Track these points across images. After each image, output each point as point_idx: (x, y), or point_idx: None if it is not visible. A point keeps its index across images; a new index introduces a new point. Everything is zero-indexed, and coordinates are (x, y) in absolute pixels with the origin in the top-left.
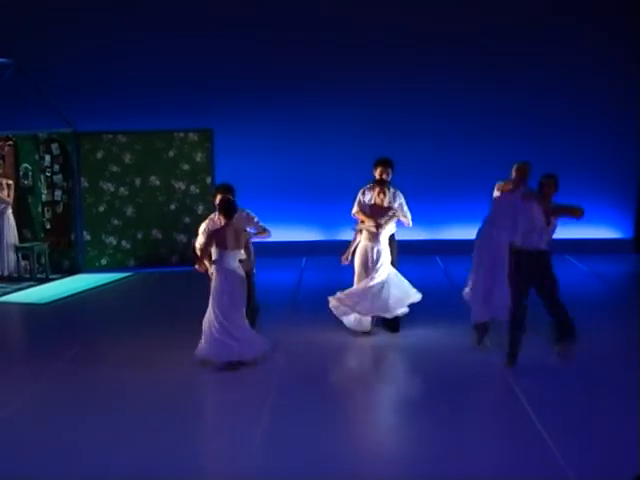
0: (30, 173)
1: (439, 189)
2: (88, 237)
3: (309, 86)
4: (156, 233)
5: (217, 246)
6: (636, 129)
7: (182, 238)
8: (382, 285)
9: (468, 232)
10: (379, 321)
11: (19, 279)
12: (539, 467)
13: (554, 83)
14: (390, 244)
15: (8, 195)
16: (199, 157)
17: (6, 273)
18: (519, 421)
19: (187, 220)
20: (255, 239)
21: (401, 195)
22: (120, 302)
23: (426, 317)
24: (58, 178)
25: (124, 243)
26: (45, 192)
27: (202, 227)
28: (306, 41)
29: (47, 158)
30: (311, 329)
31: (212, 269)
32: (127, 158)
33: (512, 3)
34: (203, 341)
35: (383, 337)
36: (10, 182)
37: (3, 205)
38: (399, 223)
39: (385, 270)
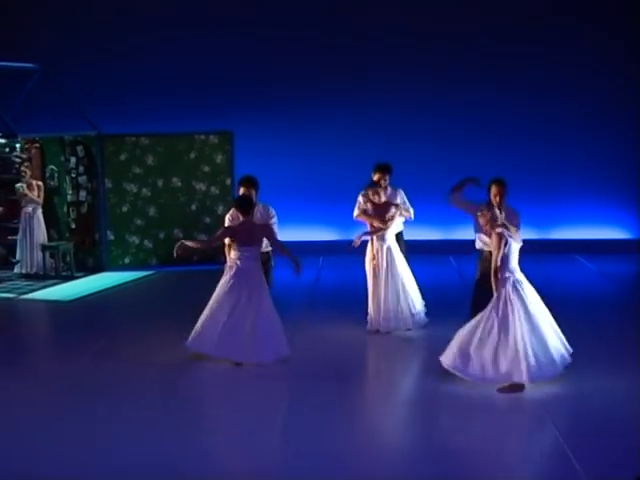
0: (56, 174)
1: (445, 189)
2: (112, 236)
3: (329, 88)
4: (177, 233)
5: (232, 240)
6: (636, 129)
7: (202, 238)
8: (397, 296)
9: None
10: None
11: (45, 277)
12: (552, 467)
13: (554, 83)
14: (398, 242)
15: (38, 196)
16: (219, 159)
17: (34, 271)
18: (533, 421)
19: (207, 220)
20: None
21: (401, 191)
22: (142, 300)
23: (441, 316)
24: (83, 179)
25: (146, 242)
26: (70, 193)
27: (227, 216)
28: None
29: (72, 160)
30: (329, 326)
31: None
32: (149, 160)
33: (512, 3)
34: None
35: (399, 335)
36: (40, 183)
37: (34, 205)
38: (405, 221)
39: (399, 272)
